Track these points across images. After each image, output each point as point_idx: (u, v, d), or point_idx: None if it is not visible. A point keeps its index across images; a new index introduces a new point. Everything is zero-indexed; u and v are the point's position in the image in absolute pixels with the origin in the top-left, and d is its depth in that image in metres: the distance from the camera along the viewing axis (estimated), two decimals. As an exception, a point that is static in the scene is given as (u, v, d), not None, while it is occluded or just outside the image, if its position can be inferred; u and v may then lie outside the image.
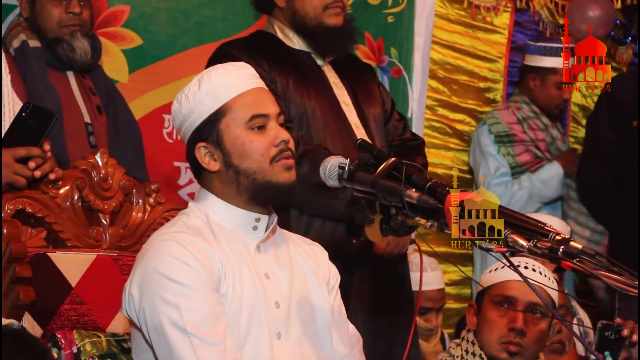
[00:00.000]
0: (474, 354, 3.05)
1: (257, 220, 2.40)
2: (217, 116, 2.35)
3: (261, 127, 2.36)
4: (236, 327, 2.28)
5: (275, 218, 2.44)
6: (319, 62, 3.52)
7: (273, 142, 2.35)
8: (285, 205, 2.58)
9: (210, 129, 2.36)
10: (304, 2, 3.44)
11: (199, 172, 2.42)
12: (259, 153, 2.34)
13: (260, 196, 2.37)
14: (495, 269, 3.07)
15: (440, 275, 4.51)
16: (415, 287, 3.73)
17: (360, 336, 2.56)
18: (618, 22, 5.73)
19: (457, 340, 3.15)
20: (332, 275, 2.52)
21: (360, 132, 3.44)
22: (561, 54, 5.00)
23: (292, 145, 2.40)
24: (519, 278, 2.95)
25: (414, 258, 4.16)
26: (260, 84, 2.43)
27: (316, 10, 3.43)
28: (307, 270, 2.46)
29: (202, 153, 2.37)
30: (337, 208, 3.29)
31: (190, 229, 2.33)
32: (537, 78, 5.16)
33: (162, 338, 2.22)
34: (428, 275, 4.39)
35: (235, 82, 2.38)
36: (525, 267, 3.00)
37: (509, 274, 3.01)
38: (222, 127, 2.35)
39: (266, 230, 2.41)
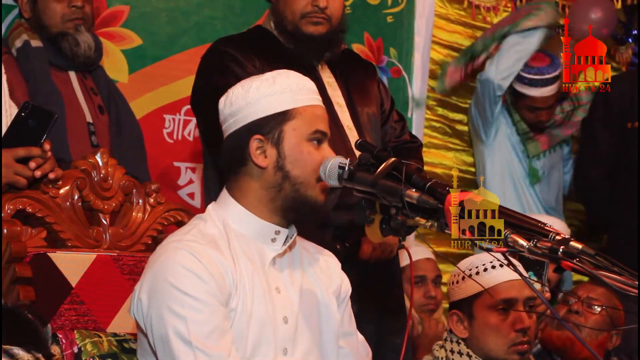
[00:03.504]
0: (460, 353, 3.04)
1: (277, 232, 2.38)
2: (286, 117, 2.34)
3: (319, 142, 2.37)
4: (243, 343, 2.27)
5: (294, 232, 2.41)
6: (314, 61, 3.49)
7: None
8: (308, 224, 2.58)
9: (273, 126, 2.34)
10: (285, 4, 3.41)
11: (240, 165, 2.36)
12: (312, 167, 2.34)
13: (294, 210, 2.35)
14: (477, 273, 3.01)
15: (426, 250, 4.48)
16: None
17: (370, 348, 2.55)
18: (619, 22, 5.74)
19: (440, 342, 3.14)
20: (344, 286, 2.51)
21: (352, 134, 3.39)
22: (539, 85, 5.13)
23: None
24: (507, 278, 2.97)
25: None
26: (321, 101, 2.45)
27: (294, 15, 3.39)
28: (319, 282, 2.44)
29: (256, 145, 2.34)
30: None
31: (205, 238, 2.30)
32: (509, 97, 5.20)
33: (167, 348, 2.21)
34: (413, 250, 4.38)
35: (310, 92, 2.40)
36: (501, 266, 2.97)
37: (497, 276, 2.99)
38: (287, 128, 2.34)
39: (284, 244, 2.39)
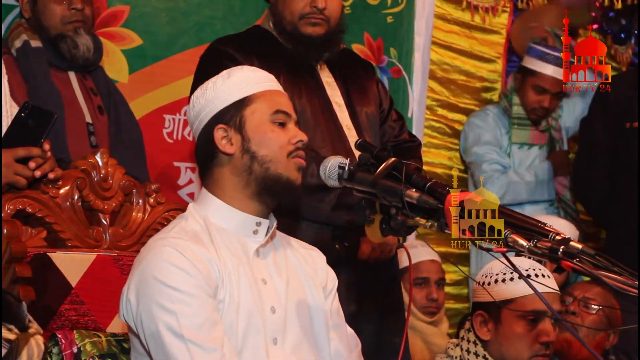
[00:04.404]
0: (476, 354, 3.02)
1: (258, 224, 2.41)
2: (244, 103, 2.40)
3: (282, 124, 2.41)
4: (233, 333, 2.28)
5: (274, 222, 2.44)
6: (312, 61, 3.49)
7: (291, 140, 2.40)
8: (287, 206, 2.58)
9: (233, 113, 2.40)
10: (284, 5, 3.43)
11: (210, 158, 2.41)
12: (278, 144, 2.38)
13: (268, 190, 2.38)
14: (511, 279, 2.98)
15: (431, 251, 4.48)
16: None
17: (359, 339, 2.56)
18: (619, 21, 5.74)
19: (455, 340, 3.12)
20: (330, 279, 2.53)
21: (351, 134, 3.40)
22: (552, 62, 5.05)
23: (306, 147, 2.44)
24: (542, 290, 2.93)
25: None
26: (282, 89, 2.50)
27: (293, 16, 3.41)
28: (304, 275, 2.46)
29: (220, 134, 2.39)
30: (322, 211, 3.28)
31: (188, 234, 2.33)
32: (519, 76, 5.13)
33: (159, 344, 2.22)
34: (418, 250, 4.39)
35: (265, 80, 2.46)
36: (536, 275, 2.95)
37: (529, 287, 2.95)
38: (247, 113, 2.39)
39: (266, 234, 2.41)
